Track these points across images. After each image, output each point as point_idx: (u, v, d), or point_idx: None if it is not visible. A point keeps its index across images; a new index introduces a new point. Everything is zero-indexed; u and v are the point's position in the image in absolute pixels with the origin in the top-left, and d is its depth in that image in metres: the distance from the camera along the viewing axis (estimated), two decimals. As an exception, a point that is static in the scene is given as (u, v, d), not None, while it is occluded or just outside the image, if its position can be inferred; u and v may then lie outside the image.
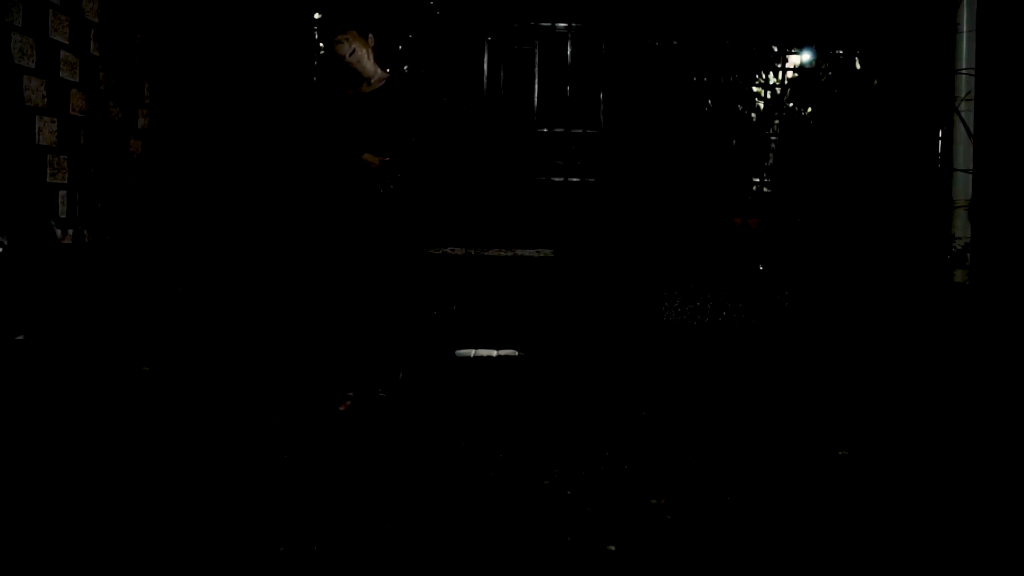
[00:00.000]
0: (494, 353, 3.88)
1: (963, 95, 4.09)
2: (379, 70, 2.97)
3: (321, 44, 4.73)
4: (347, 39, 2.86)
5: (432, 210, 4.97)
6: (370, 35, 2.92)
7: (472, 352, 3.89)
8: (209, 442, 2.52)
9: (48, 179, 3.10)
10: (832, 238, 4.46)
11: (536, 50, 5.54)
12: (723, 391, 3.25)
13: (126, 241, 3.63)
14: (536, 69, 5.51)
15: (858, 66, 4.67)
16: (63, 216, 3.19)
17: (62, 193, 3.19)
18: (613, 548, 1.80)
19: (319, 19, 4.78)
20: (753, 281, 4.46)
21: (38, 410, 2.71)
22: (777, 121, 4.89)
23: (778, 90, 4.90)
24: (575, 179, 5.40)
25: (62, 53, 3.17)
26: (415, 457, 2.41)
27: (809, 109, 4.82)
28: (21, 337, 2.70)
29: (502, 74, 5.43)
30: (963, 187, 4.11)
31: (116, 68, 3.59)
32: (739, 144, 4.85)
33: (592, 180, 5.36)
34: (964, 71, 4.07)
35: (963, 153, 4.11)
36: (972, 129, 4.06)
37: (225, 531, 1.86)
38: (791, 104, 4.87)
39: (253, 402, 2.99)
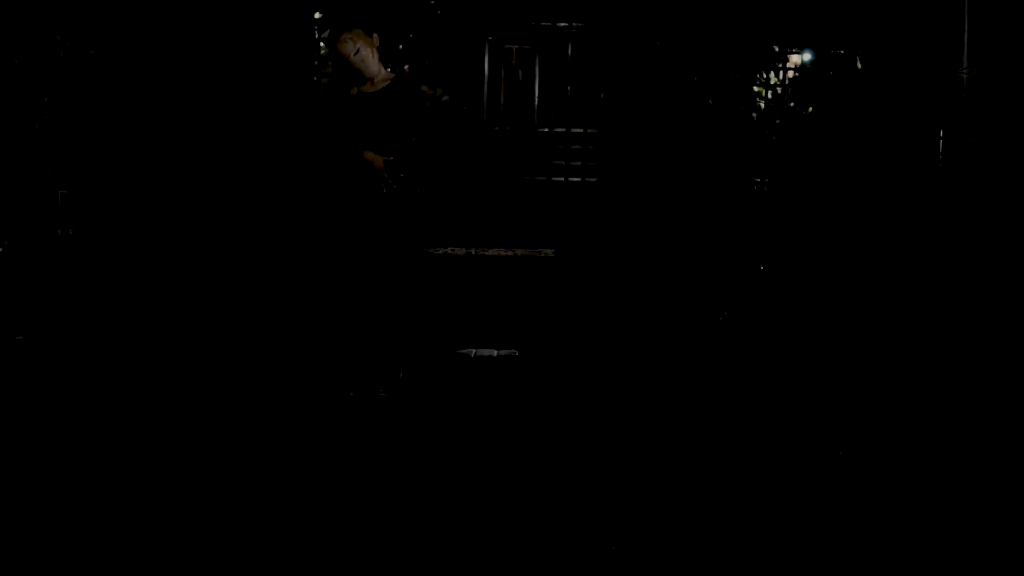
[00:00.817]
0: (495, 353, 3.88)
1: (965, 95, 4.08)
2: (383, 70, 2.95)
3: (322, 43, 4.73)
4: (352, 38, 2.84)
5: (433, 209, 4.96)
6: (375, 35, 2.91)
7: (473, 352, 3.88)
8: (209, 441, 2.51)
9: (48, 179, 3.09)
10: (834, 237, 4.46)
11: (536, 50, 5.54)
12: (724, 391, 3.25)
13: (127, 240, 3.63)
14: (537, 69, 5.51)
15: (859, 65, 4.66)
16: (63, 216, 3.19)
17: (62, 193, 3.19)
18: (614, 548, 1.80)
19: (319, 18, 4.78)
20: (754, 281, 4.45)
21: (39, 410, 2.71)
22: (778, 120, 4.88)
23: (779, 90, 4.90)
24: (575, 179, 5.40)
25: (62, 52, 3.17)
26: (415, 457, 2.41)
27: (810, 108, 4.82)
28: (21, 337, 2.70)
29: (503, 74, 5.43)
30: (965, 187, 4.10)
31: (116, 67, 3.58)
32: (740, 143, 4.85)
33: (592, 180, 5.36)
34: (966, 71, 4.07)
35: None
36: (973, 129, 4.06)
37: (225, 529, 1.86)
38: (792, 104, 4.87)
39: (253, 401, 2.98)
